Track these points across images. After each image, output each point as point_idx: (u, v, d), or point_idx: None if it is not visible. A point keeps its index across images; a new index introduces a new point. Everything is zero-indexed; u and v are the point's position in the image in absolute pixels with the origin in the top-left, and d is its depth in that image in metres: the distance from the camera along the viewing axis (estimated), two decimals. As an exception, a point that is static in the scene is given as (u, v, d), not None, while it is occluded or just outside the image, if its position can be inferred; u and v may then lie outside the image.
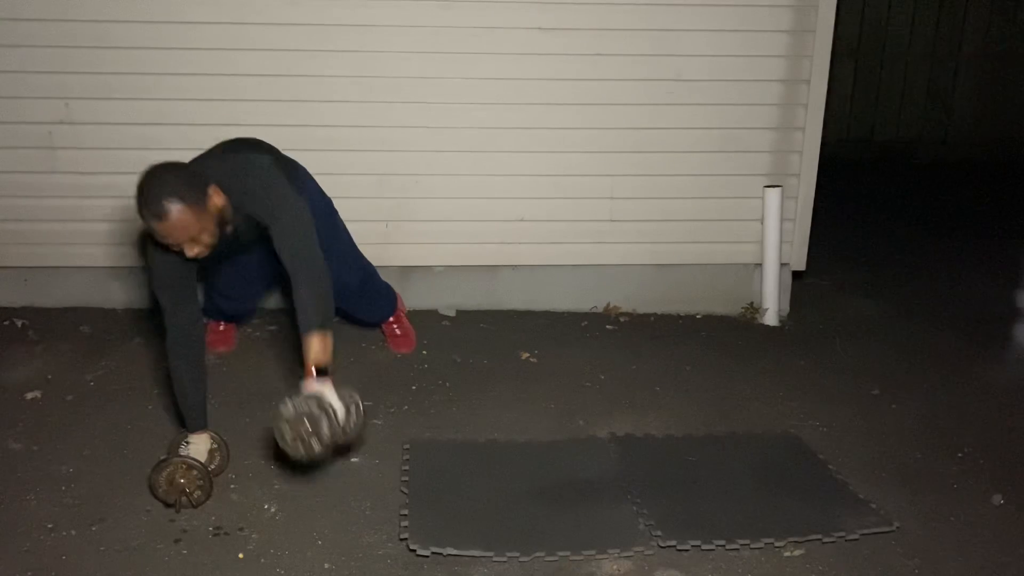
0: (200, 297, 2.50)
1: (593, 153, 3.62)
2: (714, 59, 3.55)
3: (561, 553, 2.16)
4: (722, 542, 2.21)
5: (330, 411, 2.09)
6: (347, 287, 2.87)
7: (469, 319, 3.70)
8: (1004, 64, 7.89)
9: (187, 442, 2.42)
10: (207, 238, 2.17)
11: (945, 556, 2.23)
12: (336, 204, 2.88)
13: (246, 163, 2.38)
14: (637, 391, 3.12)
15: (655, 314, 3.84)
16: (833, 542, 2.25)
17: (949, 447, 2.79)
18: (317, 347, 2.16)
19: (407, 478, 2.47)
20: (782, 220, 3.72)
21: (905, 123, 8.06)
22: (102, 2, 3.27)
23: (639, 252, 3.77)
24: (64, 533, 2.21)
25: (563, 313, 3.80)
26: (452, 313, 3.74)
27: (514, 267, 3.77)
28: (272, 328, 3.49)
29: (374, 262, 3.16)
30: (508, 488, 2.45)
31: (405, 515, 2.28)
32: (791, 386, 3.21)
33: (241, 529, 2.25)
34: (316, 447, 2.09)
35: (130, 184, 3.38)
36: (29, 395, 2.90)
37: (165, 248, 2.19)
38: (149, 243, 2.26)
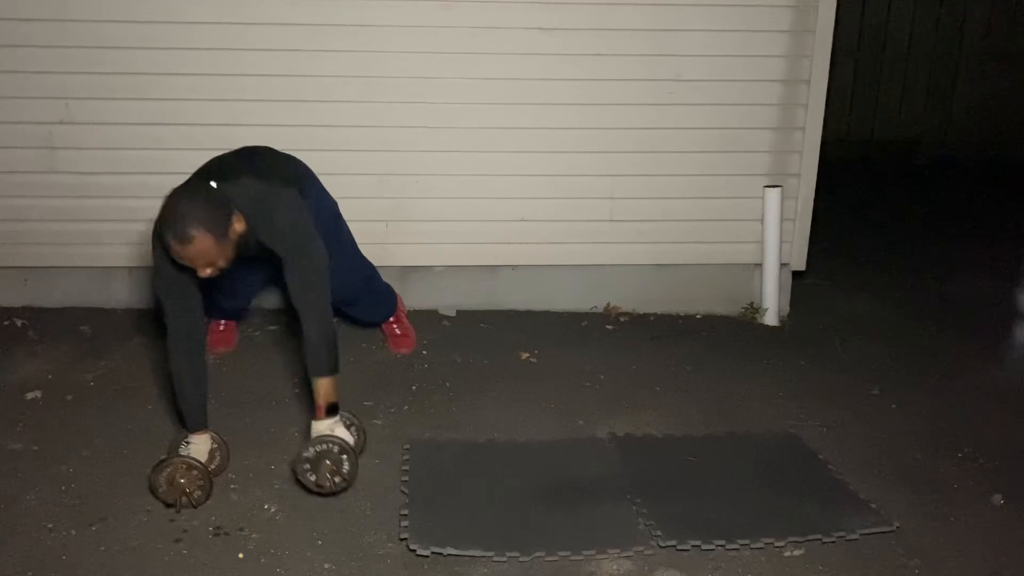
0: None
1: (593, 153, 3.62)
2: (714, 59, 3.55)
3: (561, 553, 2.16)
4: (722, 542, 2.21)
5: (348, 448, 2.31)
6: (348, 288, 2.87)
7: (469, 319, 3.70)
8: (1004, 64, 7.89)
9: (187, 442, 2.42)
10: (223, 263, 2.20)
11: (945, 556, 2.23)
12: (336, 204, 2.88)
13: (276, 198, 2.35)
14: (637, 391, 3.12)
15: (655, 314, 3.84)
16: (833, 542, 2.25)
17: (949, 447, 2.79)
18: (328, 389, 2.34)
19: (407, 478, 2.47)
20: (782, 220, 3.72)
21: (905, 123, 8.05)
22: (102, 2, 3.27)
23: (639, 252, 3.77)
24: (64, 533, 2.21)
25: (563, 313, 3.80)
26: (452, 313, 3.74)
27: (514, 267, 3.77)
28: (272, 328, 3.49)
29: (374, 262, 3.16)
30: (508, 488, 2.45)
31: (405, 515, 2.28)
32: (791, 386, 3.21)
33: (241, 529, 2.25)
34: (341, 484, 2.31)
35: (130, 184, 3.44)
36: (29, 395, 2.90)
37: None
38: (158, 246, 2.26)
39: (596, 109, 3.56)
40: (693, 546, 2.20)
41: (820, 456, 2.68)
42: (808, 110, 3.63)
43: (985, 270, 4.70)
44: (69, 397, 2.91)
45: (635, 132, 3.60)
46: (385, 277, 3.27)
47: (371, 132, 3.49)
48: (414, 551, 2.14)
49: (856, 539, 2.26)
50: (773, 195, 3.68)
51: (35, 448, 2.59)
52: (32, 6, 3.25)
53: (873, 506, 2.40)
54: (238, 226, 2.21)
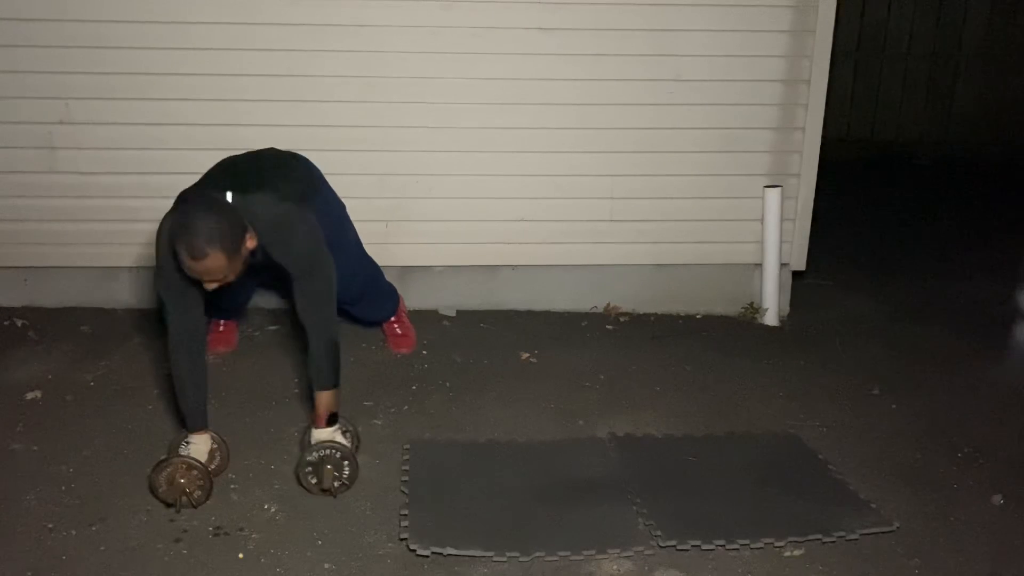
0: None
1: (593, 153, 3.62)
2: (714, 59, 3.55)
3: (561, 553, 2.16)
4: (722, 542, 2.21)
5: (348, 453, 2.40)
6: (351, 288, 2.87)
7: (469, 319, 3.70)
8: (1004, 64, 7.89)
9: (187, 442, 2.42)
10: (231, 277, 2.21)
11: (945, 556, 2.23)
12: (337, 204, 2.88)
13: (293, 222, 2.36)
14: (637, 391, 3.12)
15: (655, 314, 3.84)
16: (833, 542, 2.25)
17: (949, 447, 2.79)
18: (330, 400, 2.43)
19: (407, 478, 2.47)
20: (782, 220, 3.72)
21: (905, 123, 8.06)
22: (102, 2, 3.27)
23: (639, 252, 3.77)
24: (64, 533, 2.20)
25: (563, 313, 3.80)
26: (452, 313, 3.74)
27: (514, 267, 3.77)
28: (272, 328, 3.49)
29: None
30: (508, 488, 2.45)
31: (405, 515, 2.28)
32: (791, 386, 3.21)
33: (241, 529, 2.25)
34: (341, 488, 2.39)
35: (130, 184, 3.45)
36: (29, 395, 2.90)
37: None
38: (164, 250, 2.26)
39: (596, 109, 3.56)
40: (693, 546, 2.20)
41: (820, 456, 2.68)
42: (808, 110, 3.63)
43: (985, 270, 4.70)
44: (69, 397, 2.91)
45: (635, 132, 3.60)
46: (385, 277, 3.27)
47: (371, 132, 3.49)
48: (414, 551, 2.14)
49: (856, 539, 2.26)
50: (773, 195, 3.68)
51: (35, 448, 2.59)
52: (32, 6, 3.25)
53: (873, 506, 2.40)
54: (250, 243, 2.23)
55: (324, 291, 2.40)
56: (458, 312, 3.75)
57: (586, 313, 3.83)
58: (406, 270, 3.65)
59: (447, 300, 3.76)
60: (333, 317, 2.44)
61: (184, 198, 2.36)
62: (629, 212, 3.70)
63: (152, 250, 2.32)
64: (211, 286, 2.21)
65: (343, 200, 2.86)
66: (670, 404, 3.02)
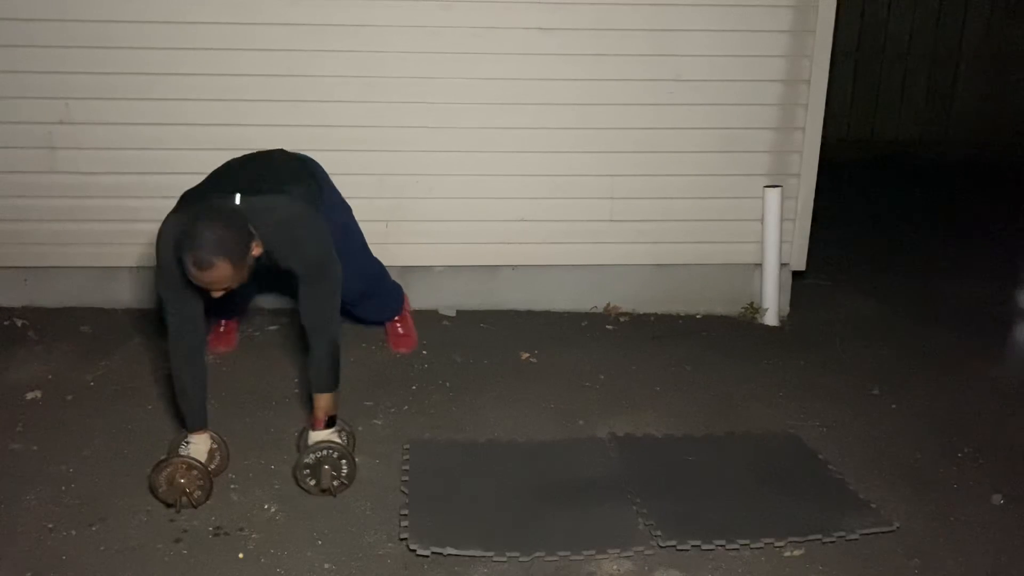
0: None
1: (593, 153, 3.62)
2: (714, 59, 3.55)
3: (561, 553, 2.16)
4: (722, 542, 2.21)
5: (346, 452, 2.41)
6: (354, 290, 2.86)
7: (469, 319, 3.70)
8: (1004, 64, 7.89)
9: (187, 442, 2.42)
10: (236, 286, 2.21)
11: (945, 556, 2.23)
12: (337, 204, 2.88)
13: (304, 225, 2.38)
14: (637, 391, 3.12)
15: (655, 314, 3.84)
16: (833, 542, 2.25)
17: (949, 447, 2.79)
18: (328, 403, 2.45)
19: (407, 478, 2.47)
20: (782, 220, 3.72)
21: (905, 123, 8.06)
22: (102, 2, 3.27)
23: (639, 252, 3.77)
24: (64, 533, 2.21)
25: (563, 313, 3.80)
26: (452, 313, 3.74)
27: (514, 267, 3.77)
28: (272, 328, 3.49)
29: (374, 262, 3.17)
30: (508, 488, 2.45)
31: (405, 515, 2.28)
32: (791, 386, 3.21)
33: (241, 529, 2.25)
34: (340, 488, 2.40)
35: (131, 184, 3.44)
36: (29, 395, 2.90)
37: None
38: (166, 250, 2.26)
39: (596, 109, 3.56)
40: (693, 546, 2.20)
41: (820, 456, 2.68)
42: (808, 110, 3.63)
43: (985, 270, 4.70)
44: (69, 397, 2.91)
45: (635, 132, 3.60)
46: (391, 277, 3.27)
47: (371, 132, 3.49)
48: (414, 551, 2.14)
49: (856, 539, 2.26)
50: (773, 195, 3.68)
51: (35, 448, 2.59)
52: (32, 6, 3.25)
53: (873, 506, 2.40)
54: (256, 251, 2.23)
55: (329, 295, 2.41)
56: (458, 312, 3.75)
57: (586, 313, 3.83)
58: (406, 270, 3.65)
59: (447, 300, 3.76)
60: (336, 320, 2.45)
61: (188, 198, 2.36)
62: (629, 212, 3.70)
63: (153, 250, 2.32)
64: (217, 294, 2.21)
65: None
66: (670, 404, 3.02)
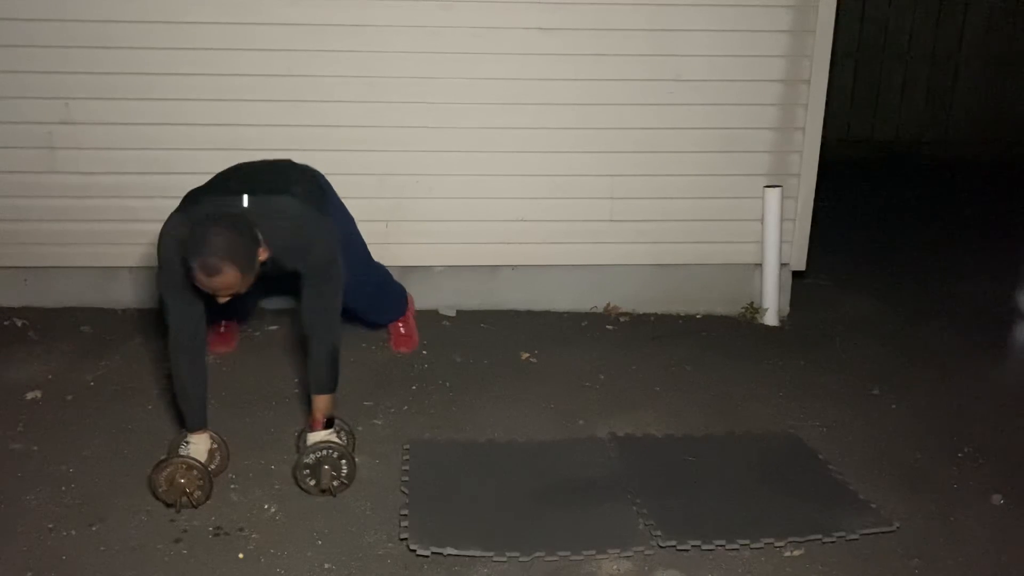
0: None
1: (593, 153, 3.62)
2: (714, 59, 3.55)
3: (561, 553, 2.16)
4: (722, 542, 2.21)
5: (345, 452, 2.42)
6: (359, 297, 2.87)
7: (469, 319, 3.70)
8: (1004, 64, 7.90)
9: (187, 442, 2.42)
10: (242, 291, 2.21)
11: (945, 556, 2.23)
12: (337, 204, 2.88)
13: (314, 227, 2.40)
14: (637, 391, 3.12)
15: (655, 314, 3.84)
16: (833, 542, 2.25)
17: (949, 447, 2.79)
18: (327, 404, 2.46)
19: (407, 478, 2.47)
20: (782, 220, 3.72)
21: (905, 123, 8.06)
22: (102, 2, 3.27)
23: (639, 252, 3.77)
24: (64, 533, 2.21)
25: (563, 313, 3.80)
26: (452, 313, 3.74)
27: (514, 267, 3.77)
28: (272, 328, 3.49)
29: (374, 262, 3.16)
30: (508, 488, 2.45)
31: (405, 515, 2.28)
32: (791, 386, 3.21)
33: (241, 529, 2.25)
34: (340, 487, 2.40)
35: (131, 184, 3.44)
36: (29, 395, 2.90)
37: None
38: (168, 249, 2.26)
39: (596, 109, 3.56)
40: (693, 546, 2.20)
41: (820, 456, 2.68)
42: (808, 110, 3.63)
43: (985, 270, 4.70)
44: (69, 397, 2.91)
45: (635, 132, 3.60)
46: (394, 280, 3.27)
47: (372, 132, 3.49)
48: (414, 551, 2.14)
49: (856, 539, 2.26)
50: (773, 195, 3.68)
51: (35, 448, 2.59)
52: (32, 6, 3.25)
53: (873, 506, 2.40)
54: (262, 255, 2.23)
55: (332, 299, 2.43)
56: (458, 312, 3.75)
57: (586, 313, 3.83)
58: (406, 270, 3.65)
59: (447, 300, 3.76)
60: (337, 323, 2.46)
61: (192, 198, 2.36)
62: (629, 212, 3.70)
63: (154, 250, 2.33)
64: (222, 300, 2.21)
65: (344, 201, 2.86)
66: (670, 404, 3.02)
